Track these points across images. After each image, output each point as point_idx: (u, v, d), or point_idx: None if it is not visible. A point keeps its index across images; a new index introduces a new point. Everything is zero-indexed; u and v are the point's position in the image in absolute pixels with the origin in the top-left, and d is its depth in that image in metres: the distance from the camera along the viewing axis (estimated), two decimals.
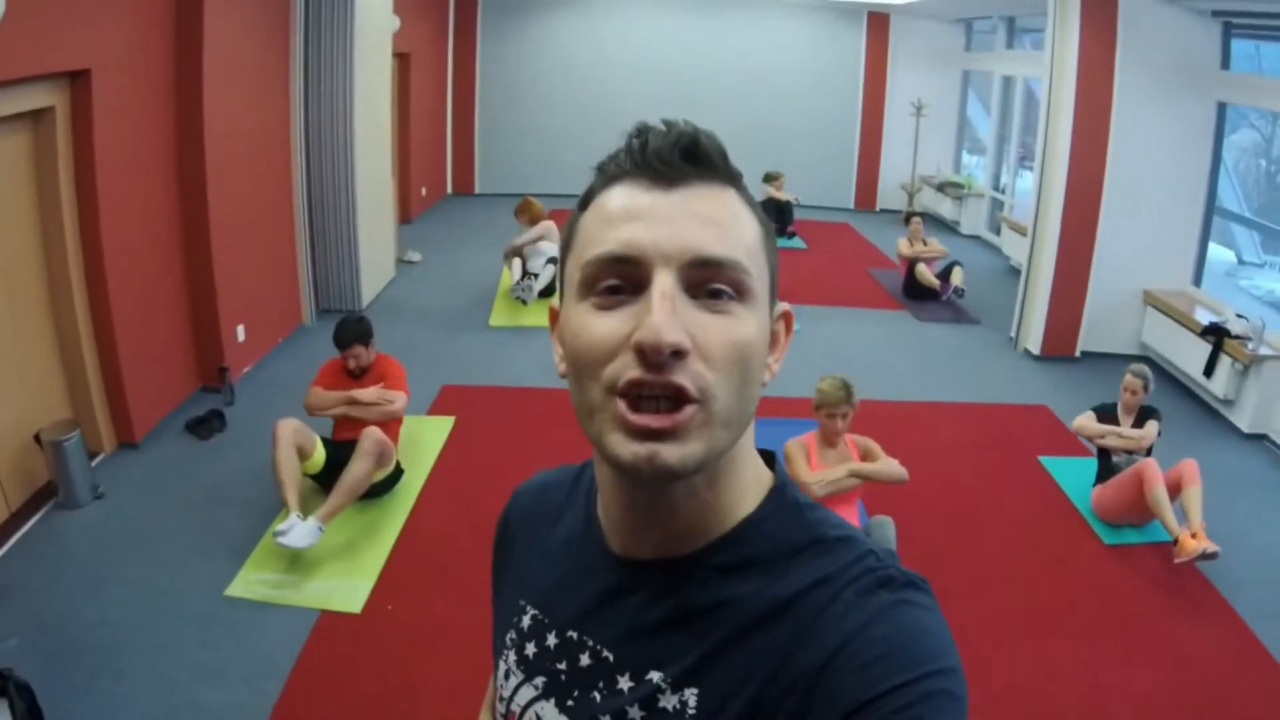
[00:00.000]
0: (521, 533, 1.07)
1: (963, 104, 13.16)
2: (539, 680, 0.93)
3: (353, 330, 4.68)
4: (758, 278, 0.80)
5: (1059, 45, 7.06)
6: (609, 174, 0.84)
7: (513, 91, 12.68)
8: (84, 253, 4.64)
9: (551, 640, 0.93)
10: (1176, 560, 4.35)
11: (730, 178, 0.83)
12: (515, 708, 0.96)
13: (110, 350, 4.83)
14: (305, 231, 6.90)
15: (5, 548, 4.11)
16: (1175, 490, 4.62)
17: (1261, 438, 6.14)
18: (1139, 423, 4.98)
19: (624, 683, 0.86)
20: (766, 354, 0.83)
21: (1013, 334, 7.80)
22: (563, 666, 0.91)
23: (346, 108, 6.91)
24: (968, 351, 7.58)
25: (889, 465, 4.11)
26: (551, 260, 7.92)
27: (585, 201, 0.85)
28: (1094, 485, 5.06)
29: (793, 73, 12.97)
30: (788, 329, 0.89)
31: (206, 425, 5.31)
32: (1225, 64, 6.99)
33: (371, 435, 4.39)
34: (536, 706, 0.93)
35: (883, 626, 0.77)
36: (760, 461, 0.91)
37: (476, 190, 12.94)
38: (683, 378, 0.74)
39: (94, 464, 4.69)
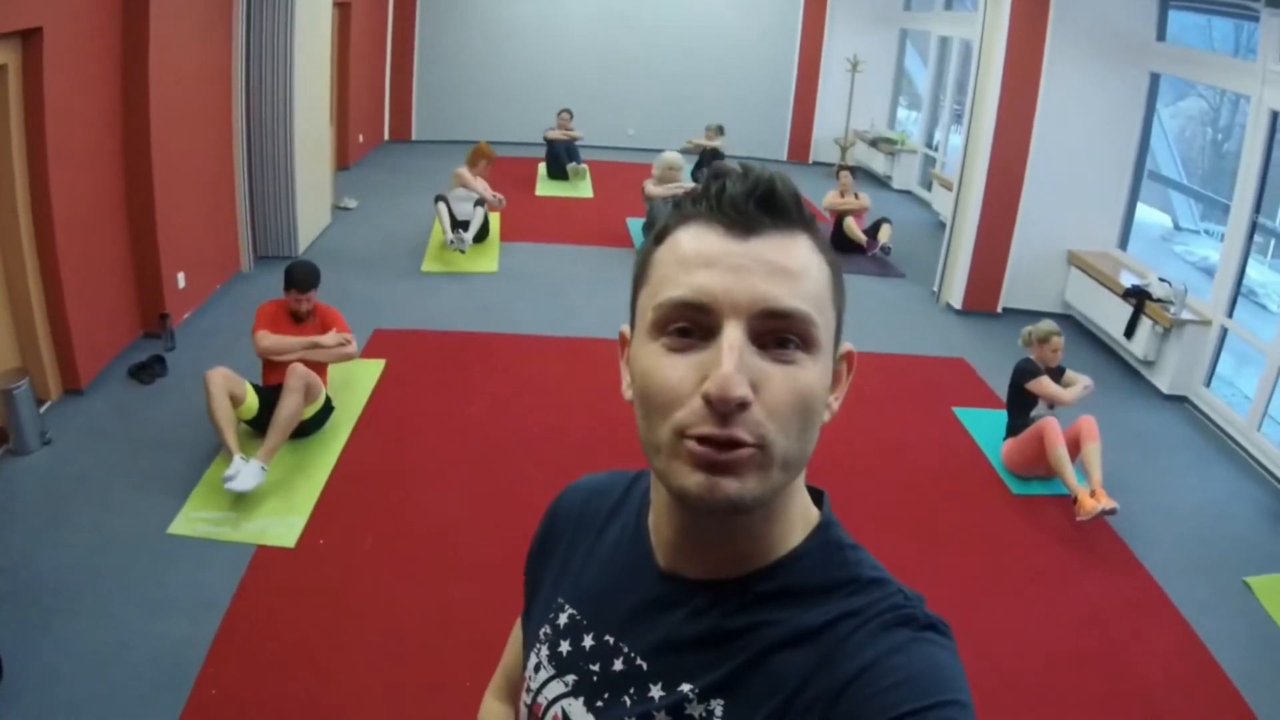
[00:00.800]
0: (567, 531, 1.10)
1: (899, 62, 13.42)
2: (569, 678, 0.97)
3: (309, 272, 4.93)
4: (823, 327, 0.83)
5: (991, 6, 7.22)
6: (684, 213, 0.86)
7: (452, 40, 12.75)
8: (33, 205, 4.78)
9: (588, 641, 0.97)
10: (1077, 518, 4.59)
11: (804, 223, 0.85)
12: (542, 700, 1.00)
13: (57, 299, 4.98)
14: (244, 179, 7.04)
15: None
16: (1075, 447, 4.82)
17: (1181, 399, 6.39)
18: (1056, 379, 5.16)
19: (655, 691, 0.89)
20: (827, 395, 0.85)
21: (936, 289, 8.04)
22: (595, 668, 0.95)
23: (287, 57, 7.03)
24: (891, 304, 7.82)
25: None
26: (479, 203, 8.10)
27: (660, 236, 0.88)
28: (1004, 439, 5.27)
29: (731, 26, 13.17)
30: (850, 368, 0.92)
31: (148, 371, 5.50)
32: (1161, 36, 7.14)
33: (296, 371, 4.64)
34: (564, 703, 0.97)
35: (900, 658, 0.81)
36: (809, 498, 0.94)
37: (414, 137, 13.01)
38: (743, 430, 0.77)
39: (42, 411, 4.85)
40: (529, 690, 1.03)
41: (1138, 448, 5.54)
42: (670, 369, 0.80)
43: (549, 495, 3.64)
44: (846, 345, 0.91)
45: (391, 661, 3.51)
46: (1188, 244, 11.52)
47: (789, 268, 0.81)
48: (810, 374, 0.81)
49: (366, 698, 3.34)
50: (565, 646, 0.99)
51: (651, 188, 8.55)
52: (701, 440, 0.77)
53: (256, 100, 7.06)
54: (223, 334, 6.14)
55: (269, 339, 4.87)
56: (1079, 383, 5.17)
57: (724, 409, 0.76)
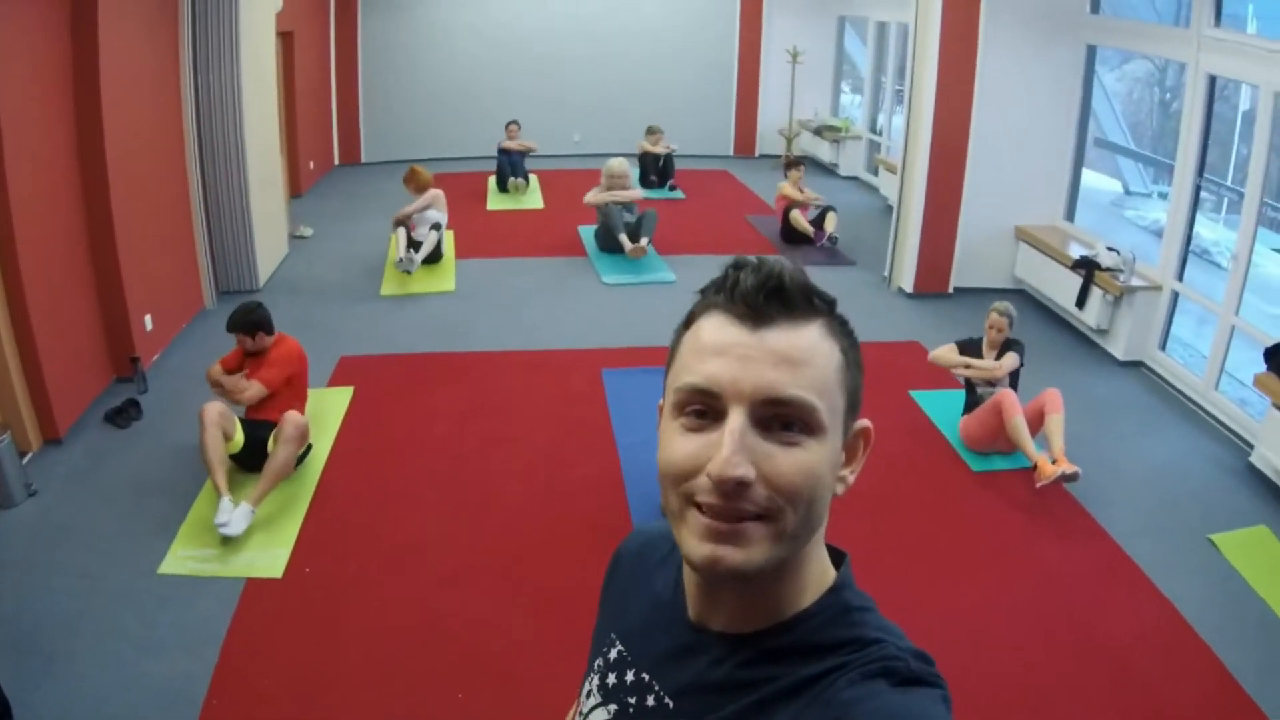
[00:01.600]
0: (626, 572, 1.20)
1: (839, 49, 13.63)
2: (612, 707, 1.07)
3: (240, 319, 5.10)
4: (828, 410, 0.88)
5: None
6: (708, 301, 0.94)
7: (395, 60, 12.85)
8: (0, 259, 4.90)
9: (630, 676, 1.07)
10: (1038, 484, 4.71)
11: (816, 311, 0.91)
12: None
13: (30, 351, 5.09)
14: (201, 216, 7.16)
15: None
16: (1039, 419, 4.95)
17: (1137, 364, 6.58)
18: (1000, 356, 5.27)
19: None
20: (837, 471, 0.92)
21: (886, 273, 8.19)
22: (632, 701, 1.04)
23: (235, 90, 7.13)
24: (842, 292, 7.41)
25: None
26: (435, 227, 8.27)
27: (689, 320, 0.96)
28: (961, 416, 5.43)
29: (669, 27, 13.34)
30: (867, 444, 0.98)
31: (124, 415, 5.64)
32: (1095, 9, 7.29)
33: (292, 421, 4.80)
34: None
35: (876, 703, 0.86)
36: (827, 560, 1.00)
37: (363, 159, 13.11)
38: (747, 505, 0.85)
39: (24, 463, 4.96)
40: (580, 714, 1.13)
41: (1095, 416, 5.68)
42: (684, 446, 0.88)
43: (521, 501, 4.49)
44: (864, 423, 0.97)
45: (386, 680, 3.69)
46: (1139, 208, 11.66)
47: (794, 357, 0.87)
48: (813, 455, 0.87)
49: (364, 714, 3.51)
50: (612, 678, 1.09)
51: (591, 197, 8.76)
52: (708, 509, 0.86)
53: (208, 136, 7.16)
54: (192, 372, 6.21)
55: (209, 371, 5.17)
56: (996, 363, 5.27)
57: (723, 488, 0.84)
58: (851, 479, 0.96)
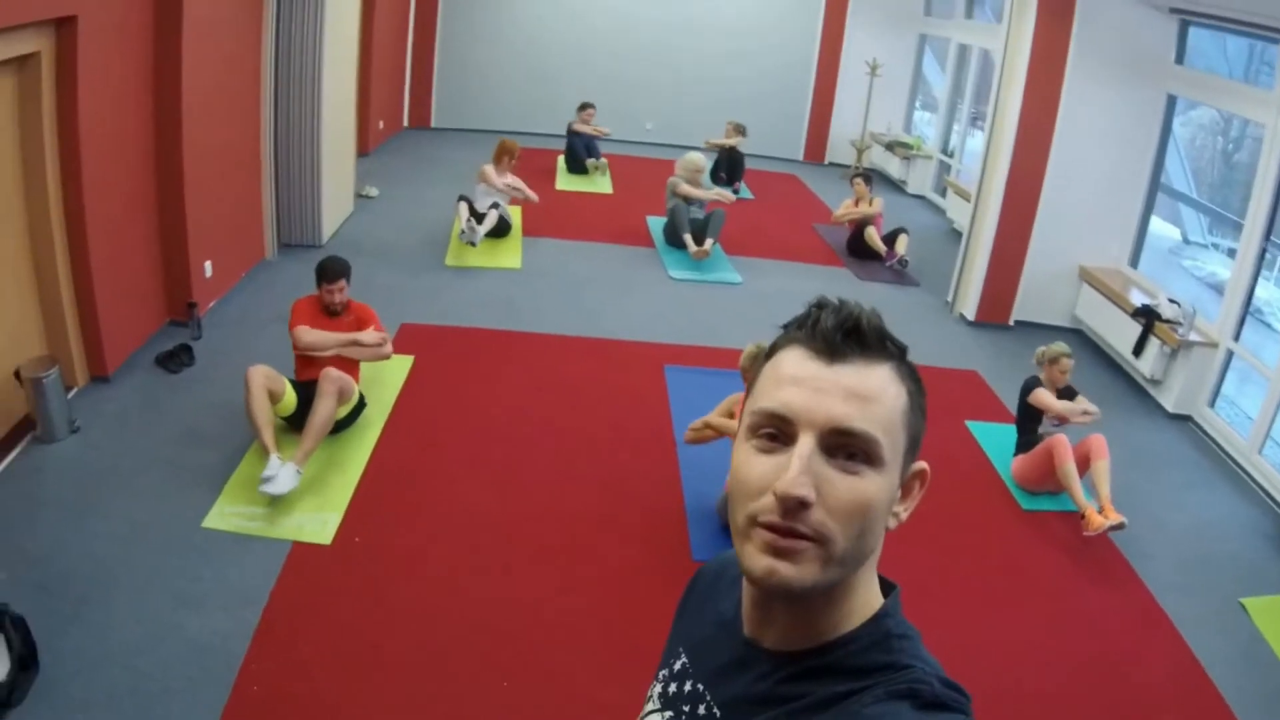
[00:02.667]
0: (701, 591, 1.27)
1: (917, 67, 13.39)
2: (668, 714, 1.14)
3: (339, 264, 4.94)
4: (889, 446, 0.95)
5: (1015, 22, 7.24)
6: (790, 336, 1.01)
7: (474, 27, 12.69)
8: (64, 194, 4.75)
9: (688, 686, 1.14)
10: (1085, 533, 4.65)
11: (888, 354, 0.98)
12: None
13: (86, 286, 4.96)
14: (270, 165, 7.01)
15: None
16: (1084, 463, 4.87)
17: (1185, 418, 6.44)
18: (1065, 399, 5.21)
19: None
20: (892, 505, 0.98)
21: (950, 299, 8.05)
22: (686, 710, 1.12)
23: (316, 40, 6.98)
24: (904, 313, 7.78)
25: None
26: (495, 205, 8.09)
27: (770, 352, 1.03)
28: (1014, 455, 5.32)
29: (752, 26, 13.13)
30: (922, 484, 1.04)
31: (176, 359, 5.50)
32: (1180, 59, 7.18)
33: (329, 375, 4.61)
34: None
35: None
36: (876, 589, 1.04)
37: (433, 124, 12.96)
38: (804, 526, 0.91)
39: (69, 397, 4.84)
40: (643, 717, 1.20)
41: (1141, 465, 5.57)
42: (756, 466, 0.95)
43: (577, 491, 4.44)
44: (921, 465, 1.03)
45: (430, 661, 3.54)
46: (1196, 258, 11.44)
47: (863, 393, 0.94)
48: (871, 485, 0.93)
49: (406, 695, 3.36)
50: (674, 688, 1.16)
51: (684, 187, 8.57)
52: (768, 526, 0.92)
53: (284, 86, 7.02)
54: (249, 323, 6.14)
55: (309, 334, 4.86)
56: (1082, 404, 5.21)
57: (786, 505, 0.91)
58: (905, 515, 1.02)
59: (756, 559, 0.94)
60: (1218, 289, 10.00)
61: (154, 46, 5.36)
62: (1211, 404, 6.41)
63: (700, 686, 1.12)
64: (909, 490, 1.03)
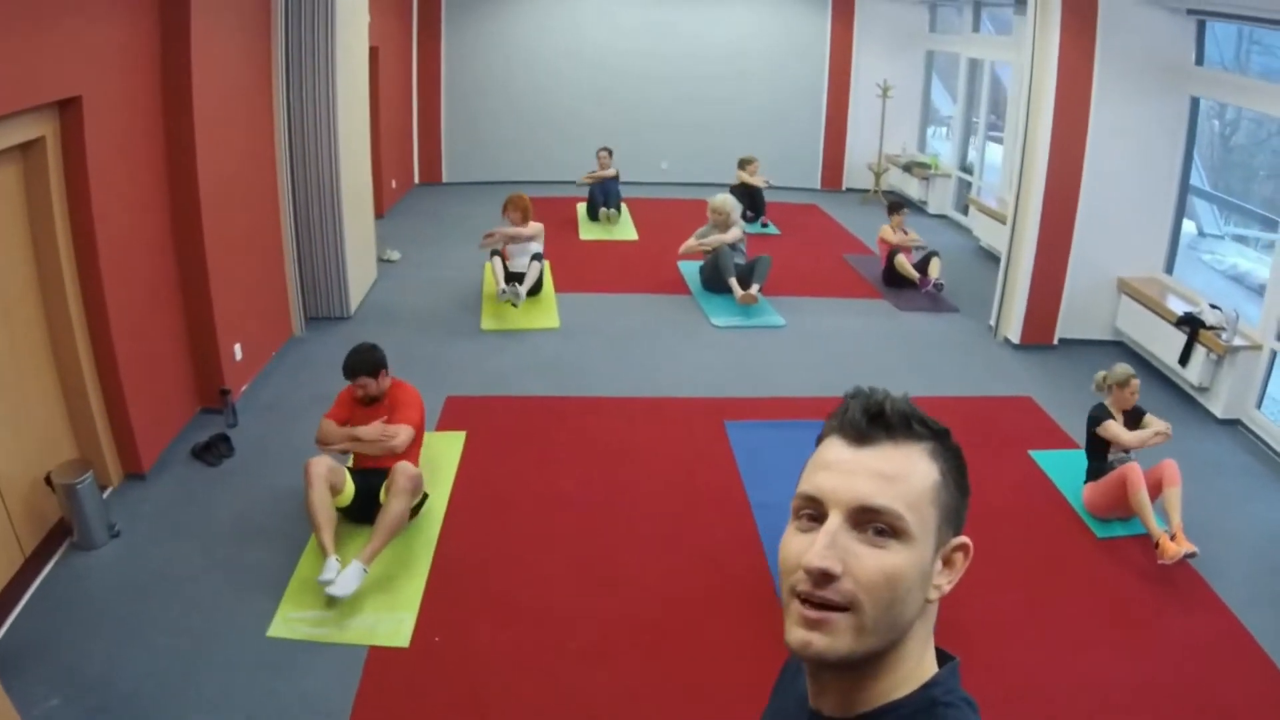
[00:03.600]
0: (792, 671, 1.29)
1: (927, 84, 13.23)
2: None
3: (359, 361, 4.58)
4: (917, 521, 1.00)
5: (1040, 37, 7.10)
6: (830, 425, 1.09)
7: (478, 80, 12.53)
8: (82, 284, 4.48)
9: None
10: (1160, 561, 4.50)
11: (918, 435, 1.05)
12: None
13: (113, 380, 4.68)
14: (292, 240, 6.74)
15: (26, 596, 3.97)
16: (1155, 489, 4.78)
17: (1235, 423, 6.32)
18: (1134, 420, 5.09)
19: None
20: (928, 577, 1.03)
21: (992, 323, 7.88)
22: None
23: (330, 108, 6.77)
24: (949, 341, 7.63)
25: None
26: (536, 257, 7.84)
27: (818, 440, 1.11)
28: (1085, 482, 5.16)
29: (759, 56, 12.96)
30: (966, 556, 1.08)
31: (214, 451, 5.20)
32: (1199, 60, 7.09)
33: (405, 472, 4.31)
34: None
35: None
36: (931, 659, 1.09)
37: (444, 179, 12.77)
38: (832, 594, 0.98)
39: (104, 497, 4.54)
40: None
41: (1200, 476, 5.37)
42: (793, 543, 1.03)
43: (655, 568, 3.97)
44: (963, 539, 1.08)
45: None
46: (1214, 250, 11.27)
47: (888, 473, 1.01)
48: (897, 558, 0.99)
49: None
50: None
51: (690, 243, 8.46)
52: (803, 598, 0.99)
53: (300, 155, 6.78)
54: (285, 407, 5.85)
55: (323, 429, 4.58)
56: (1154, 426, 5.07)
57: (811, 575, 0.98)
58: (947, 587, 1.06)
59: (793, 631, 1.01)
60: (1240, 281, 9.79)
61: (164, 124, 5.12)
62: (1259, 405, 6.30)
63: None
64: (950, 563, 1.07)
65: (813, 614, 0.98)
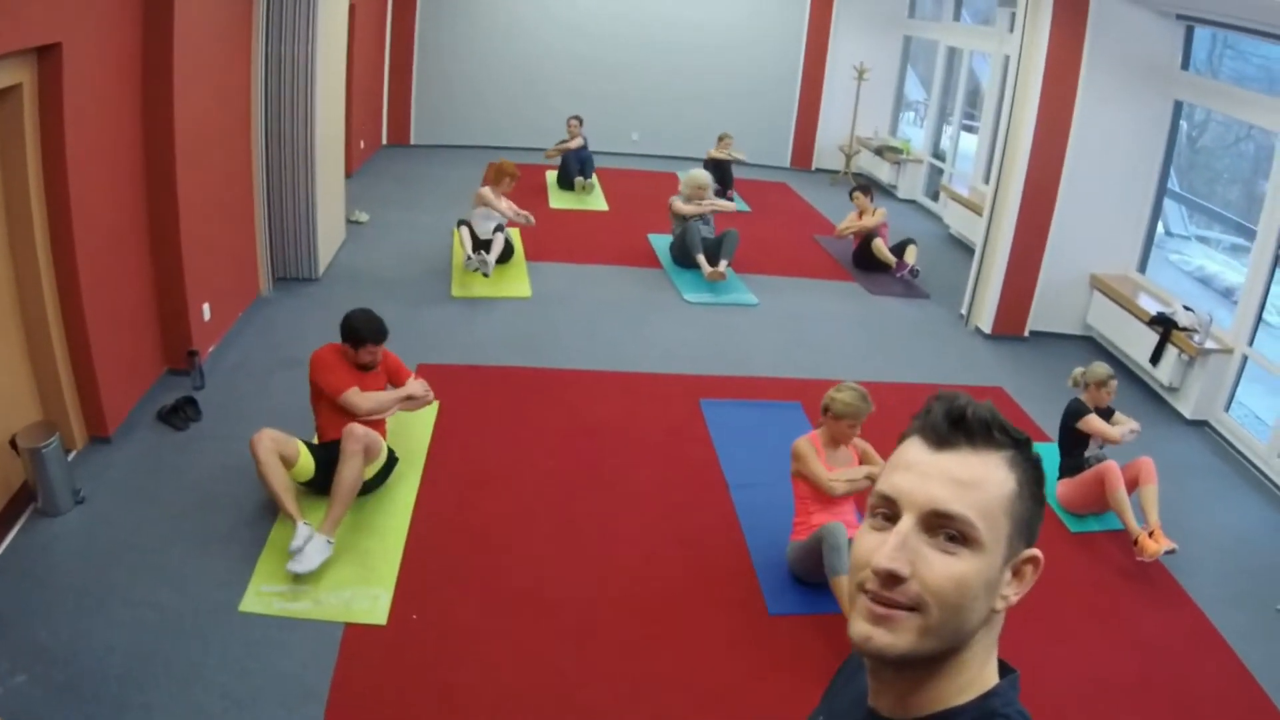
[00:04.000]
0: (850, 668, 1.30)
1: (903, 70, 13.21)
2: None
3: (378, 327, 4.52)
4: (988, 530, 1.00)
5: (1030, 32, 7.11)
6: (913, 426, 1.08)
7: (451, 40, 12.30)
8: (52, 240, 4.30)
9: None
10: (1139, 559, 4.56)
11: (998, 443, 1.03)
12: None
13: (81, 340, 4.51)
14: (263, 197, 6.56)
15: None
16: (1132, 486, 4.83)
17: (1202, 424, 6.41)
18: (1104, 418, 5.12)
19: None
20: (996, 587, 1.03)
21: (964, 311, 7.92)
22: None
23: (308, 64, 6.57)
24: (921, 328, 7.67)
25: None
26: (499, 228, 7.72)
27: (900, 439, 1.11)
28: (1059, 478, 5.16)
29: (736, 31, 12.87)
30: (1035, 569, 1.07)
31: (180, 414, 5.07)
32: (1185, 65, 7.13)
33: (353, 433, 4.21)
34: None
35: None
36: (993, 669, 1.08)
37: (412, 141, 12.55)
38: (899, 595, 0.99)
39: (68, 460, 4.38)
40: None
41: (1169, 476, 5.40)
42: (866, 541, 1.04)
43: (636, 547, 4.02)
44: (1033, 551, 1.06)
45: None
46: (1181, 251, 11.40)
47: (964, 479, 1.01)
48: (966, 565, 0.99)
49: None
50: None
51: (680, 205, 8.26)
52: (871, 595, 1.01)
53: (276, 111, 6.59)
54: (252, 369, 5.72)
55: (367, 400, 4.47)
56: (1127, 424, 5.15)
57: (879, 575, 0.99)
58: (1014, 598, 1.05)
59: (857, 624, 1.02)
60: (1206, 283, 9.92)
61: (142, 76, 4.92)
62: (1227, 409, 6.40)
63: None
64: (1021, 575, 1.06)
65: (879, 609, 1.00)
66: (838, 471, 4.19)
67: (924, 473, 1.02)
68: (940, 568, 0.98)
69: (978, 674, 1.06)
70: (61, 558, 3.94)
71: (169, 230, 5.22)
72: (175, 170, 5.10)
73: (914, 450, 1.06)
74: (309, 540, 3.90)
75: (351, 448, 4.17)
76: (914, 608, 0.99)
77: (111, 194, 4.74)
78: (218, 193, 5.82)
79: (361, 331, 4.46)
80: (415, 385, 4.64)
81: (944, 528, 0.99)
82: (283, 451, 4.22)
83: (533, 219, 8.06)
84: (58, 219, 4.28)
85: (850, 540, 3.92)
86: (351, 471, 4.14)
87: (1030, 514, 1.05)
